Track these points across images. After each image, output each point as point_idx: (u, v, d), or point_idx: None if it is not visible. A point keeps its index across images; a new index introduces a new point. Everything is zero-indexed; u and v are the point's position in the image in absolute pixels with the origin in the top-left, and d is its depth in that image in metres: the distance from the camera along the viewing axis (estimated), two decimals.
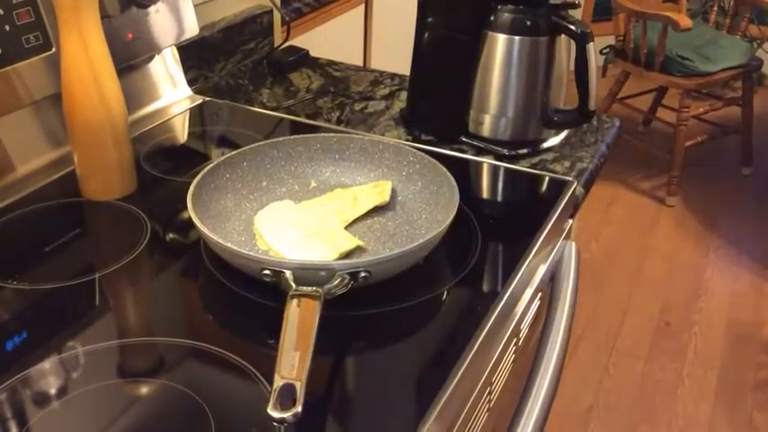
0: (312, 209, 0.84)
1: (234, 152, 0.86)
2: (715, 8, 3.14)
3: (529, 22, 0.99)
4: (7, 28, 0.85)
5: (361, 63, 2.03)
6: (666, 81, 2.80)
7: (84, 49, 0.82)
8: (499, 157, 1.03)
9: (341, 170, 0.91)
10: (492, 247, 0.84)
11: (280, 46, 1.34)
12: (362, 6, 1.95)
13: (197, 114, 1.13)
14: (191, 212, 0.75)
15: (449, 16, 1.04)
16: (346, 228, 0.82)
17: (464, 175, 0.99)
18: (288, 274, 0.67)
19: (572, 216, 0.98)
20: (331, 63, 1.34)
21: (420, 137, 1.08)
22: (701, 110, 2.97)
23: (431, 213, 0.83)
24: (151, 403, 0.64)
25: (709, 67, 2.74)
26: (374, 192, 0.86)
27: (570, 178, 0.97)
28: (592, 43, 0.97)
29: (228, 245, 0.71)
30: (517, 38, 1.00)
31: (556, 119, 1.05)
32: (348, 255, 0.77)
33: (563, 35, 1.01)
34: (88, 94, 0.83)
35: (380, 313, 0.73)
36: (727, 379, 2.11)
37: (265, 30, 1.36)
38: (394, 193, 0.87)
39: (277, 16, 1.39)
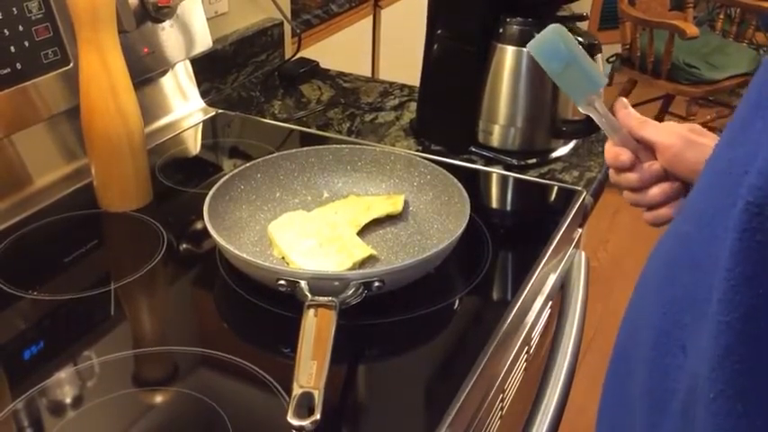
0: (325, 216, 0.85)
1: (248, 164, 0.88)
2: (722, 16, 3.15)
3: (537, 34, 1.00)
4: (26, 44, 0.86)
5: (369, 73, 2.05)
6: (673, 89, 2.81)
7: (103, 64, 0.83)
8: (508, 167, 1.04)
9: (353, 181, 0.92)
10: (502, 256, 0.86)
11: (291, 58, 1.36)
12: (371, 17, 1.96)
13: (210, 126, 1.15)
14: (207, 224, 0.76)
15: (458, 28, 1.05)
16: (359, 235, 0.83)
17: (474, 185, 1.00)
18: (303, 284, 0.68)
19: (581, 225, 0.99)
20: (341, 74, 1.35)
21: (430, 147, 1.09)
22: (709, 117, 2.97)
23: (442, 223, 0.84)
24: (170, 411, 0.65)
25: (716, 75, 2.75)
26: (387, 202, 0.87)
27: (579, 188, 0.98)
28: (600, 55, 0.99)
29: (244, 255, 0.73)
30: (525, 49, 1.01)
31: (564, 129, 1.06)
32: (361, 264, 0.79)
33: None
34: (107, 106, 0.85)
35: (393, 322, 0.74)
36: None
37: (276, 42, 1.38)
38: (406, 203, 0.88)
39: (287, 28, 1.40)
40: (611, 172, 0.71)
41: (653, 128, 0.67)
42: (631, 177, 0.68)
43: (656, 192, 0.67)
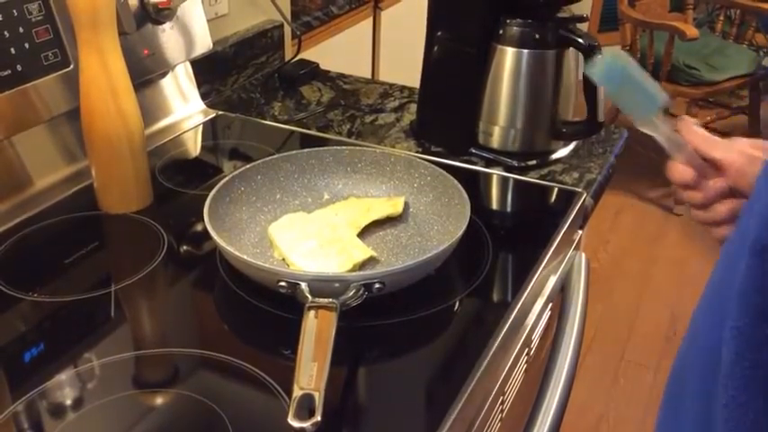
0: (326, 218, 0.85)
1: (248, 165, 0.88)
2: (721, 17, 3.15)
3: (537, 36, 1.01)
4: (26, 46, 0.86)
5: (369, 75, 2.05)
6: (673, 90, 2.81)
7: (103, 66, 0.83)
8: (509, 169, 1.04)
9: (353, 182, 0.92)
10: (503, 257, 0.86)
11: (291, 60, 1.36)
12: (371, 19, 1.97)
13: (210, 128, 1.15)
14: (207, 226, 0.76)
15: (458, 30, 1.05)
16: (359, 236, 0.83)
17: (474, 186, 1.00)
18: (303, 285, 0.68)
19: (581, 227, 0.99)
20: (341, 76, 1.35)
21: (430, 149, 1.09)
22: (708, 119, 2.97)
23: (443, 225, 0.84)
24: (170, 413, 0.65)
25: (716, 76, 2.75)
26: (387, 204, 0.87)
27: (579, 189, 0.98)
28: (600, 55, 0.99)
29: (245, 257, 0.73)
30: (525, 51, 1.01)
31: (565, 130, 1.06)
32: (362, 265, 0.79)
33: (571, 48, 1.02)
34: (107, 108, 0.85)
35: (393, 324, 0.74)
36: None
37: (276, 44, 1.38)
38: (406, 205, 0.88)
39: (287, 30, 1.40)
40: (677, 189, 0.71)
41: (717, 145, 0.67)
42: (696, 195, 0.68)
43: (721, 209, 0.67)
